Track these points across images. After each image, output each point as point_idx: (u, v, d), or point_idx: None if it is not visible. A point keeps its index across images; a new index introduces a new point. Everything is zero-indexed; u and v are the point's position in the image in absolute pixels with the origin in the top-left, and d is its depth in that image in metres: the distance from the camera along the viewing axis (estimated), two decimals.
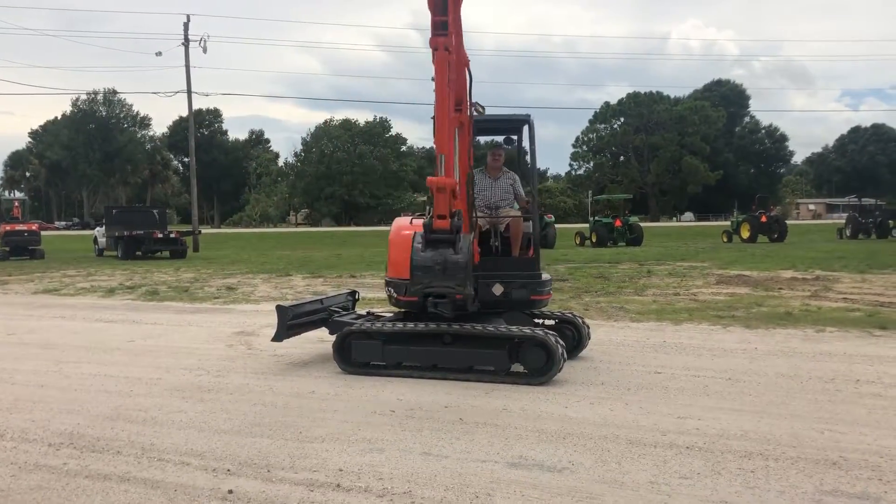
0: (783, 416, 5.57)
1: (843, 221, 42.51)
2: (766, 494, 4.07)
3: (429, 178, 5.94)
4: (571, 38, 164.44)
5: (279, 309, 7.80)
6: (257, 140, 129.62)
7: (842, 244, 31.71)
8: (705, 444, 4.94)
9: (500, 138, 8.38)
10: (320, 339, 8.64)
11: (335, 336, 7.53)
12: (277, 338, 7.77)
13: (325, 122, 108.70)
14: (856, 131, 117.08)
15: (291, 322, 7.77)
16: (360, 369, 7.25)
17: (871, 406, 5.84)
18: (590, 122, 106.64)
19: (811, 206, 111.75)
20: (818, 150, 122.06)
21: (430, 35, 5.61)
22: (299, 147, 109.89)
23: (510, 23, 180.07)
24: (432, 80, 6.63)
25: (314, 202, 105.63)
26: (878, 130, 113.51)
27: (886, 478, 4.29)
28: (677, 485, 4.23)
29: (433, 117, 6.03)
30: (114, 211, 31.92)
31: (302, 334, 8.21)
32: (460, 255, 6.16)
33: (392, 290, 7.45)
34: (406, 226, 7.67)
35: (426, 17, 5.61)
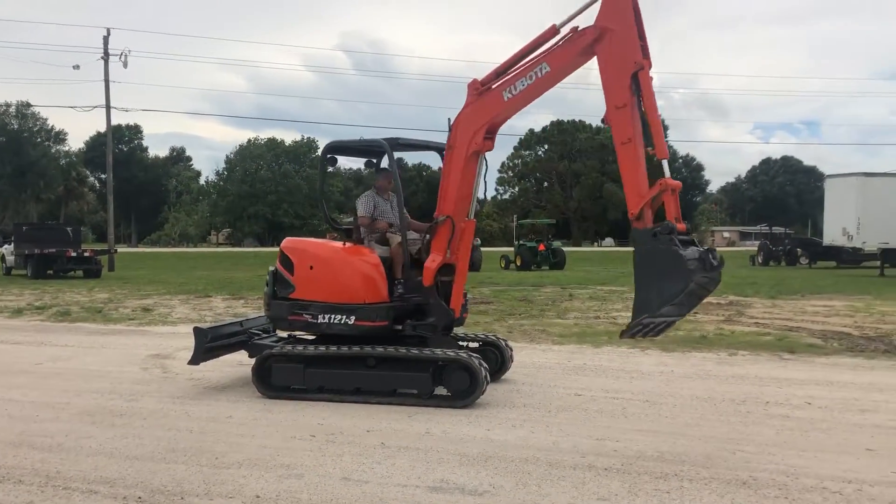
0: (697, 438, 5.73)
1: (756, 249, 44.22)
2: None
3: (662, 179, 5.90)
4: (497, 65, 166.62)
5: (197, 331, 7.60)
6: (178, 157, 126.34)
7: (754, 271, 32.98)
8: (623, 466, 5.03)
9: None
10: (239, 363, 8.45)
11: (255, 359, 7.37)
12: (194, 361, 7.56)
13: (250, 140, 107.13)
14: (767, 163, 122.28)
15: (209, 345, 7.57)
16: (281, 393, 7.11)
17: (780, 427, 6.06)
18: (515, 148, 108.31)
19: (725, 234, 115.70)
20: (732, 179, 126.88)
21: (630, 59, 6.06)
22: (222, 165, 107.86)
23: (438, 48, 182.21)
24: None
25: (236, 221, 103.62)
26: (788, 162, 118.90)
27: (792, 496, 4.46)
28: None
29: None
30: (24, 227, 30.59)
31: (220, 357, 8.02)
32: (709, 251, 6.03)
33: (344, 318, 7.06)
34: (340, 247, 7.50)
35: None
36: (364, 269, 7.20)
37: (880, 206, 28.74)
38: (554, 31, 6.62)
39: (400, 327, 7.22)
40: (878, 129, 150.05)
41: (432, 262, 7.13)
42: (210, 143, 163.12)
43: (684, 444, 5.54)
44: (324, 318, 7.18)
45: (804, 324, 12.52)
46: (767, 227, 45.84)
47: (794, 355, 9.58)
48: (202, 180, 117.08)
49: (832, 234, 31.67)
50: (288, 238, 8.03)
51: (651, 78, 6.11)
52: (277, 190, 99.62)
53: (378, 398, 6.89)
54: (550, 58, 6.61)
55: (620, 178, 6.13)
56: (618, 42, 6.17)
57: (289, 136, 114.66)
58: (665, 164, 5.94)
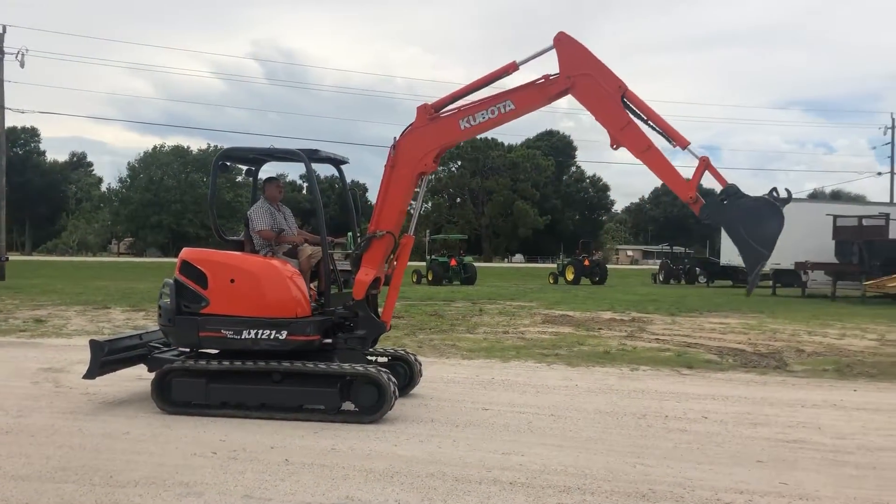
0: (600, 452, 5.86)
1: (657, 267, 45.79)
2: None
3: (701, 157, 6.70)
4: (412, 80, 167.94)
5: (93, 344, 7.28)
6: (79, 162, 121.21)
7: (655, 288, 34.11)
8: (527, 480, 5.09)
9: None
10: (138, 377, 8.14)
11: (154, 373, 7.11)
12: (90, 375, 7.23)
13: (155, 147, 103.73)
14: None
15: (106, 358, 7.25)
16: (181, 409, 6.88)
17: (678, 440, 6.27)
18: None
19: (629, 252, 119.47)
20: (636, 200, 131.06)
21: (614, 87, 6.79)
22: (125, 172, 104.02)
23: (353, 61, 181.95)
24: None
25: (139, 230, 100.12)
26: None
27: None
28: None
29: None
30: None
31: (118, 371, 7.70)
32: None
33: (275, 333, 6.78)
34: (263, 259, 7.27)
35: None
36: (293, 283, 7.02)
37: None
38: (514, 66, 7.09)
39: (330, 340, 7.14)
40: (773, 156, 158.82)
41: (365, 275, 7.15)
42: (113, 150, 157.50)
43: (587, 458, 5.65)
44: (249, 333, 6.86)
45: (702, 340, 13.01)
46: (668, 247, 47.52)
47: (692, 371, 9.94)
48: (104, 187, 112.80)
49: (729, 254, 33.07)
50: (190, 249, 7.51)
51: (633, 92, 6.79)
52: (183, 199, 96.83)
53: (283, 414, 6.75)
54: (517, 97, 7.04)
55: (658, 178, 6.95)
56: (597, 83, 6.79)
57: (196, 144, 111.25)
58: (690, 149, 6.79)
